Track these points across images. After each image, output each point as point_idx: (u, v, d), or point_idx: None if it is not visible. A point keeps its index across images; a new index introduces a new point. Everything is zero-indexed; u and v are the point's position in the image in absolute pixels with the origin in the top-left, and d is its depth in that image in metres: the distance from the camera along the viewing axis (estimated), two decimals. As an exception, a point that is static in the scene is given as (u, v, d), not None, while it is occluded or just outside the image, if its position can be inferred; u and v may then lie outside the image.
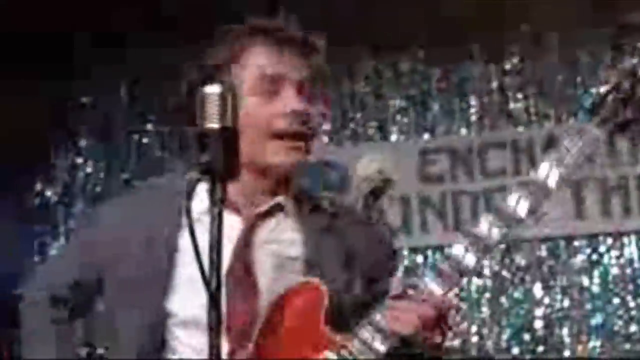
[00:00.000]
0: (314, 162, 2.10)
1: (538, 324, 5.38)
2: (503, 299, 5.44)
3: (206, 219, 1.55)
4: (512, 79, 5.72)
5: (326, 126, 5.74)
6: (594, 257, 5.40)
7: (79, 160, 6.12)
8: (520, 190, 2.12)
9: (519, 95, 5.69)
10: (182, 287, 1.95)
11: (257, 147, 1.96)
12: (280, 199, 2.04)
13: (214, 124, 1.60)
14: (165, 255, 1.96)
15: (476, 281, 5.42)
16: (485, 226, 2.04)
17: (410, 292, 1.87)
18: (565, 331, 5.34)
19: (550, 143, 5.51)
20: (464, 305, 5.40)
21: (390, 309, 1.86)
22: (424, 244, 5.53)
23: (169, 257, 1.95)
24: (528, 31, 5.65)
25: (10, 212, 5.58)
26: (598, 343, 5.29)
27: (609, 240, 5.40)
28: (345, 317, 1.93)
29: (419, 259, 5.55)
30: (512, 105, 5.68)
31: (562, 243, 5.44)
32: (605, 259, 5.40)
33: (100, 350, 2.67)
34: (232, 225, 1.95)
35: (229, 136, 1.61)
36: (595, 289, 5.37)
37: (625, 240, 5.39)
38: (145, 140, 6.13)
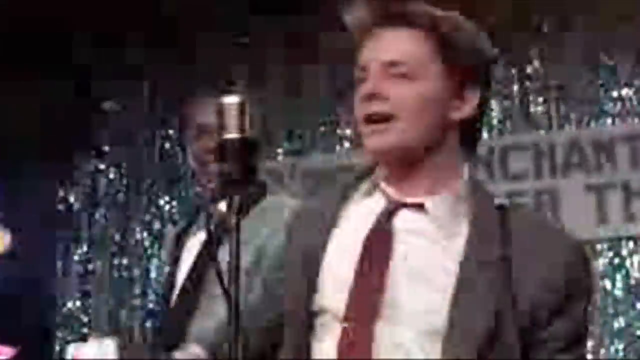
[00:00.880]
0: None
1: (560, 328, 5.35)
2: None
3: None
4: (533, 82, 5.71)
5: (348, 130, 5.76)
6: (616, 260, 5.38)
7: (102, 166, 6.15)
8: None
9: (540, 99, 5.67)
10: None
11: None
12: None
13: (233, 134, 1.62)
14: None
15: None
16: None
17: None
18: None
19: (572, 147, 5.50)
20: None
21: None
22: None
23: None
24: (549, 34, 5.64)
25: (34, 218, 5.61)
26: (621, 346, 5.27)
27: (631, 244, 5.37)
28: None
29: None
30: (533, 109, 5.67)
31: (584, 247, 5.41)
32: (628, 263, 5.37)
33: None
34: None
35: (248, 146, 1.62)
36: (618, 292, 5.35)
37: (648, 244, 5.39)
38: (167, 145, 6.15)
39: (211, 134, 2.82)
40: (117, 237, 6.05)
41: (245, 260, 2.74)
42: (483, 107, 1.92)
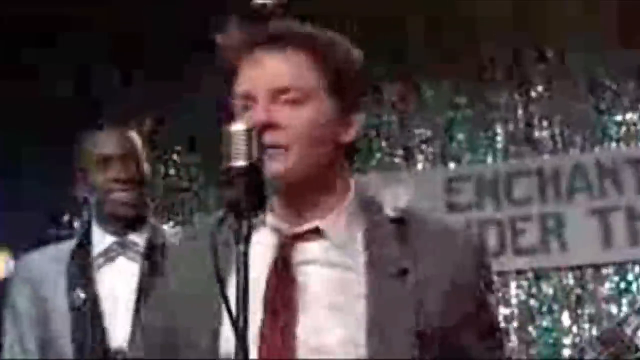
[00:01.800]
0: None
1: (566, 353, 5.34)
2: (531, 328, 5.41)
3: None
4: (537, 106, 5.71)
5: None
6: (622, 285, 5.37)
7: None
8: None
9: (545, 123, 5.68)
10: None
11: None
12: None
13: (240, 162, 1.62)
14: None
15: (503, 310, 5.40)
16: None
17: None
18: (593, 360, 5.31)
19: (576, 171, 5.51)
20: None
21: None
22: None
23: None
24: (553, 59, 5.66)
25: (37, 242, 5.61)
26: (627, 371, 5.25)
27: (637, 268, 5.37)
28: None
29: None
30: (537, 134, 5.68)
31: (589, 271, 5.41)
32: (634, 287, 5.36)
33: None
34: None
35: (255, 173, 1.62)
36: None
37: (654, 268, 5.38)
38: (171, 171, 6.16)
39: (115, 164, 2.85)
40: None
41: None
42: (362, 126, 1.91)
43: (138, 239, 2.89)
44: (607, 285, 5.39)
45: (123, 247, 2.88)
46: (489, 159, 5.73)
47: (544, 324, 5.42)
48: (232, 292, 1.55)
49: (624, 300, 5.35)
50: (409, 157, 5.81)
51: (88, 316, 2.79)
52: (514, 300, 5.44)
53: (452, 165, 5.78)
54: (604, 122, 5.58)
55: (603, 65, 5.56)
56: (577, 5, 5.44)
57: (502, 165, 5.68)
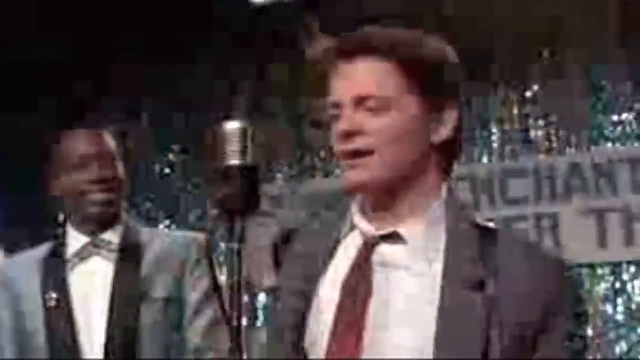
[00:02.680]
0: None
1: (562, 353, 5.35)
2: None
3: None
4: (533, 106, 5.72)
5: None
6: (618, 285, 5.38)
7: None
8: None
9: (541, 123, 5.68)
10: None
11: None
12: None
13: (234, 161, 1.61)
14: None
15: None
16: None
17: None
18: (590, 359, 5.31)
19: (572, 171, 5.51)
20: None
21: None
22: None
23: None
24: (549, 58, 5.66)
25: (34, 242, 5.60)
26: (623, 371, 5.26)
27: (633, 269, 5.37)
28: None
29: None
30: (533, 133, 5.68)
31: (585, 271, 5.41)
32: (629, 287, 5.37)
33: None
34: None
35: (250, 173, 1.62)
36: (620, 317, 5.34)
37: (649, 268, 5.38)
38: (167, 170, 6.17)
39: (92, 165, 2.84)
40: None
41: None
42: (460, 125, 1.90)
43: (112, 238, 2.88)
44: (603, 285, 5.39)
45: (97, 246, 2.87)
46: (485, 159, 5.73)
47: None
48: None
49: (620, 301, 5.35)
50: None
51: (61, 317, 2.79)
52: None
53: (448, 165, 5.77)
54: (600, 122, 5.58)
55: (599, 65, 5.56)
56: (574, 5, 5.44)
57: (497, 165, 5.68)
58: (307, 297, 1.83)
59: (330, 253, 1.87)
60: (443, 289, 1.75)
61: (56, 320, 2.79)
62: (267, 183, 5.58)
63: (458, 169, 5.91)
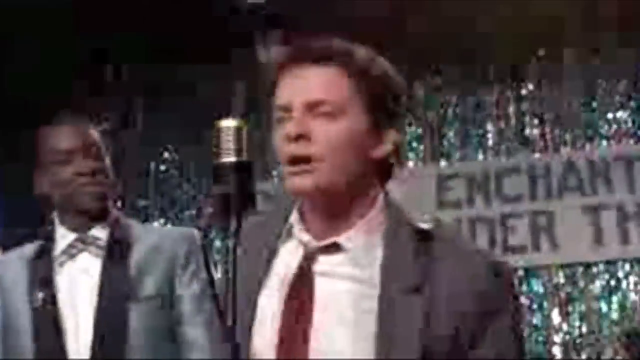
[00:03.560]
0: None
1: (556, 350, 5.36)
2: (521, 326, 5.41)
3: None
4: (528, 104, 5.73)
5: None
6: (613, 282, 5.39)
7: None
8: None
9: (536, 121, 5.69)
10: None
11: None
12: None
13: (229, 158, 1.61)
14: None
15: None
16: None
17: None
18: (583, 357, 5.32)
19: (567, 169, 5.52)
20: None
21: None
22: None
23: None
24: (544, 57, 5.67)
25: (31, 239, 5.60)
26: (617, 369, 5.27)
27: (627, 266, 5.38)
28: None
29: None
30: (528, 131, 5.69)
31: (580, 269, 5.42)
32: (624, 285, 5.38)
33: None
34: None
35: (245, 170, 1.62)
36: (614, 315, 5.35)
37: (644, 265, 5.39)
38: (162, 167, 6.17)
39: (78, 157, 2.82)
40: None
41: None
42: (398, 148, 1.90)
43: (100, 233, 2.85)
44: (598, 283, 5.40)
45: (85, 243, 2.84)
46: (480, 157, 5.74)
47: (534, 321, 5.43)
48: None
49: (614, 298, 5.36)
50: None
51: (47, 317, 2.77)
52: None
53: (443, 163, 5.79)
54: (596, 120, 5.59)
55: (594, 64, 5.57)
56: (570, 5, 5.44)
57: (493, 163, 5.69)
58: (253, 302, 1.83)
59: (270, 257, 1.86)
60: (381, 295, 1.76)
61: (42, 320, 2.76)
62: (262, 181, 5.58)
63: (453, 167, 5.99)
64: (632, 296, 5.36)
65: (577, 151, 5.57)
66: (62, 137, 2.86)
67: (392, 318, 1.74)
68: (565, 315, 5.39)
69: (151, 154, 6.19)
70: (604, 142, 5.57)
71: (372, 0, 5.16)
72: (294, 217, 1.87)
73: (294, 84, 1.83)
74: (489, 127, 5.75)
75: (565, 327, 5.38)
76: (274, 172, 5.85)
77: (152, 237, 2.87)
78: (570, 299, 5.41)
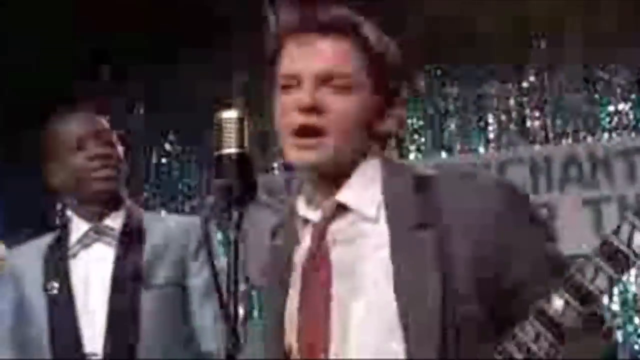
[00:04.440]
0: None
1: (558, 343, 5.36)
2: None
3: None
4: (529, 96, 5.72)
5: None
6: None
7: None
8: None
9: (537, 113, 5.68)
10: None
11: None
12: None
13: (231, 149, 1.61)
14: None
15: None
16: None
17: None
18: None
19: (569, 161, 5.51)
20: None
21: None
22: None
23: None
24: (546, 49, 5.66)
25: (31, 232, 5.60)
26: (618, 361, 5.26)
27: (629, 259, 5.37)
28: None
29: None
30: (529, 123, 5.68)
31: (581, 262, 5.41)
32: (625, 277, 5.37)
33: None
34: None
35: (246, 161, 1.61)
36: (615, 307, 5.35)
37: (645, 258, 5.37)
38: (163, 160, 6.16)
39: (89, 144, 2.82)
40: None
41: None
42: (403, 124, 1.90)
43: (113, 223, 2.87)
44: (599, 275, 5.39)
45: (98, 232, 2.86)
46: (481, 149, 5.73)
47: (536, 314, 5.42)
48: None
49: (616, 291, 5.35)
50: (400, 147, 5.80)
51: (62, 306, 2.78)
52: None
53: (443, 155, 5.78)
54: (597, 112, 5.58)
55: (595, 56, 5.56)
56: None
57: (493, 155, 5.68)
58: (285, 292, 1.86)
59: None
60: (391, 237, 1.75)
61: (57, 309, 2.79)
62: (262, 172, 5.58)
63: (454, 159, 5.96)
64: (633, 288, 5.35)
65: (579, 144, 5.56)
66: (73, 124, 2.88)
67: (405, 256, 1.72)
68: (566, 307, 5.39)
69: (152, 144, 6.19)
70: (606, 135, 5.56)
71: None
72: (300, 207, 1.87)
73: (304, 52, 1.81)
74: (490, 119, 5.74)
75: (566, 319, 5.37)
76: (274, 164, 5.84)
77: (163, 225, 2.89)
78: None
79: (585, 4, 5.43)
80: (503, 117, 5.72)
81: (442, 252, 1.70)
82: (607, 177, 5.43)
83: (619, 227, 1.56)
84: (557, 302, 1.58)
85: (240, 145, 1.62)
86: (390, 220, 1.76)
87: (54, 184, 2.91)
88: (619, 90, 5.54)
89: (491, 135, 5.73)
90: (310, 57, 1.80)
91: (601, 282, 1.56)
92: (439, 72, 5.83)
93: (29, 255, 2.91)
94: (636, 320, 5.31)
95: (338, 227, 1.83)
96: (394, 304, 1.69)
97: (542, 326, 1.59)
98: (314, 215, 1.85)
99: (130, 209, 2.92)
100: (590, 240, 5.34)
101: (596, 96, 5.59)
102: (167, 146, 6.18)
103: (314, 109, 1.76)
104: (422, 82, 5.84)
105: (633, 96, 5.53)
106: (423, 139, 5.81)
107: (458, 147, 5.77)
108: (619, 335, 5.28)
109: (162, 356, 2.71)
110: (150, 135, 6.18)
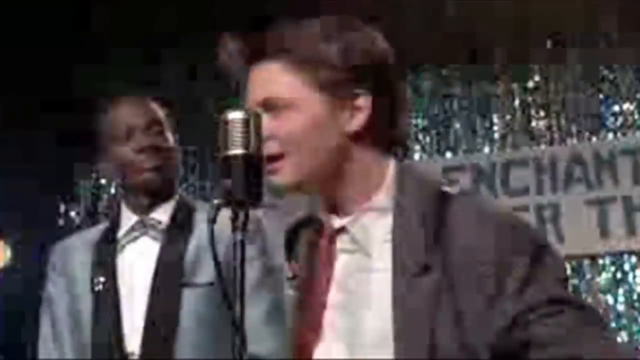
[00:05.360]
0: None
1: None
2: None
3: None
4: (534, 96, 5.71)
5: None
6: (619, 275, 5.38)
7: (103, 181, 6.14)
8: None
9: (542, 113, 5.68)
10: None
11: None
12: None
13: (237, 150, 1.60)
14: None
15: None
16: None
17: None
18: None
19: (573, 161, 5.51)
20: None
21: None
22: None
23: None
24: (551, 49, 5.65)
25: (34, 233, 5.61)
26: (623, 362, 5.26)
27: (634, 259, 5.37)
28: None
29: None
30: (534, 123, 5.68)
31: (586, 261, 5.41)
32: (630, 277, 5.37)
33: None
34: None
35: (253, 162, 1.61)
36: (620, 307, 5.34)
37: (650, 258, 5.38)
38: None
39: (138, 134, 2.78)
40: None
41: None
42: (376, 110, 1.82)
43: (161, 216, 2.80)
44: (604, 275, 5.40)
45: (145, 226, 2.80)
46: (486, 149, 5.73)
47: (541, 314, 5.42)
48: None
49: (621, 291, 5.35)
50: (405, 147, 5.79)
51: (106, 301, 2.75)
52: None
53: (448, 155, 5.78)
54: (602, 112, 5.58)
55: (600, 56, 5.56)
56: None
57: (498, 155, 5.68)
58: None
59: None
60: (393, 276, 1.73)
61: (101, 304, 2.75)
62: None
63: (459, 159, 5.98)
64: (639, 289, 5.35)
65: (584, 143, 5.56)
66: (124, 112, 2.83)
67: (404, 300, 1.71)
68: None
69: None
70: (610, 135, 5.56)
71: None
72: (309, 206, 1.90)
73: (248, 86, 1.85)
74: (495, 119, 5.74)
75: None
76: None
77: None
78: (576, 291, 5.40)
79: (589, 2, 5.43)
80: (508, 117, 5.72)
81: (439, 294, 1.69)
82: (612, 178, 5.42)
83: None
84: None
85: (246, 145, 1.61)
86: (395, 260, 1.75)
87: (103, 172, 2.87)
88: (624, 90, 5.54)
89: (496, 136, 5.72)
90: (250, 89, 1.84)
91: None
92: (444, 72, 5.82)
93: (79, 251, 2.86)
94: (641, 320, 5.31)
95: (345, 237, 1.83)
96: (390, 323, 1.70)
97: None
98: (327, 220, 1.86)
99: (182, 201, 2.87)
100: (595, 241, 5.35)
101: (601, 96, 5.59)
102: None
103: (268, 138, 1.76)
104: (426, 82, 5.84)
105: (638, 96, 5.53)
106: (428, 139, 5.81)
107: (463, 147, 5.77)
108: (624, 336, 5.28)
109: (202, 357, 2.66)
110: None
